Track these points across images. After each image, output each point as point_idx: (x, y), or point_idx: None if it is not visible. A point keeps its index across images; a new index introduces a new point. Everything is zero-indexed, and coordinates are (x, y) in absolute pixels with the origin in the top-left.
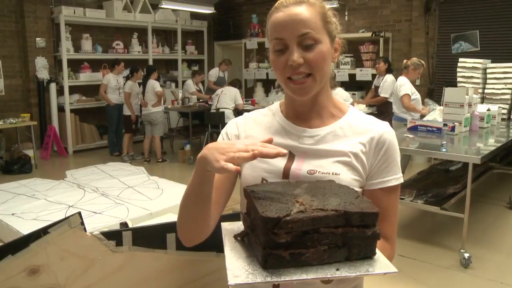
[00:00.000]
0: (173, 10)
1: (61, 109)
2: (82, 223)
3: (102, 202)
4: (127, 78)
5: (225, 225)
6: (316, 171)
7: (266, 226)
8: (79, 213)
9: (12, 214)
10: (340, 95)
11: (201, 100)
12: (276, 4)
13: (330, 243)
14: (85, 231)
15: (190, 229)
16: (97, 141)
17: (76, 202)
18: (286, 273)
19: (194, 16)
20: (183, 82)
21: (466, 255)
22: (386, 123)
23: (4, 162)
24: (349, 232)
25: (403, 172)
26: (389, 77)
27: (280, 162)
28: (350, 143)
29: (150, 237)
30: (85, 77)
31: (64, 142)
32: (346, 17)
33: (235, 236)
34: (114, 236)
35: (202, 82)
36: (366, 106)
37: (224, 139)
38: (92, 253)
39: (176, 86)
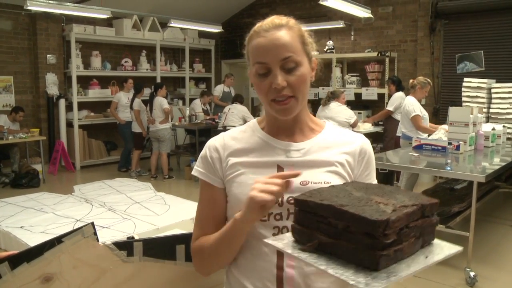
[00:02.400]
0: (182, 29)
1: (69, 124)
2: (95, 233)
3: (110, 216)
4: (133, 95)
5: (272, 242)
6: (308, 181)
7: (377, 229)
8: (92, 224)
9: (21, 227)
10: (344, 113)
11: (208, 118)
12: (255, 28)
13: (414, 235)
14: (98, 241)
15: (217, 266)
16: (105, 157)
17: (83, 217)
18: (395, 270)
19: (202, 34)
20: (191, 99)
21: (472, 273)
22: (362, 135)
23: (13, 175)
24: (424, 222)
25: (411, 190)
26: (397, 94)
27: None
28: (335, 153)
29: (160, 248)
30: (94, 93)
31: (72, 157)
32: (352, 37)
33: (304, 249)
34: (125, 246)
35: (210, 103)
36: (372, 124)
37: (204, 164)
38: (104, 263)
39: (184, 104)
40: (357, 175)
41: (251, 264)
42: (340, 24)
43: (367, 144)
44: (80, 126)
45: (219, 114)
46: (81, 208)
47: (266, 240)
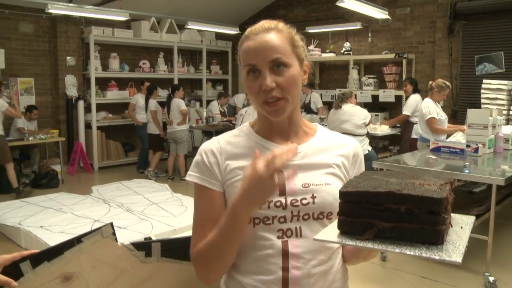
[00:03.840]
0: (199, 31)
1: (88, 126)
2: (114, 234)
3: (127, 217)
4: (146, 97)
5: (322, 237)
6: (310, 183)
7: (442, 205)
8: (111, 224)
9: (41, 226)
10: (359, 114)
11: (225, 120)
12: (246, 32)
13: (449, 209)
14: (117, 241)
15: (222, 268)
16: (122, 158)
17: (101, 217)
18: (453, 240)
19: (219, 36)
20: (208, 101)
21: (491, 278)
22: (353, 138)
23: (33, 176)
24: (451, 197)
25: None
26: (413, 96)
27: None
28: (331, 156)
29: (178, 249)
30: (112, 95)
31: (90, 158)
32: (369, 38)
33: (364, 238)
34: (143, 247)
35: (227, 104)
36: (390, 127)
37: (201, 169)
38: (122, 263)
39: (201, 105)
40: (351, 177)
41: (255, 266)
42: (357, 26)
43: (358, 147)
44: (98, 128)
45: (235, 116)
46: (99, 208)
47: (315, 238)
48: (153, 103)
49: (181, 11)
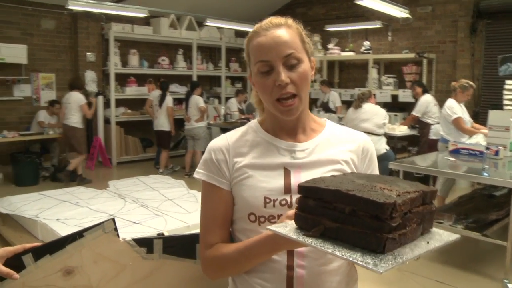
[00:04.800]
0: (218, 28)
1: (107, 121)
2: (116, 229)
3: (142, 212)
4: (162, 94)
5: (276, 228)
6: None
7: (386, 211)
8: (113, 219)
9: (57, 219)
10: (380, 113)
11: (243, 117)
12: (255, 28)
13: (416, 221)
14: (118, 237)
15: (234, 275)
16: (140, 154)
17: (116, 212)
18: (400, 253)
19: (239, 33)
20: (226, 98)
21: (510, 286)
22: (363, 133)
23: (53, 169)
24: (425, 209)
25: (446, 196)
26: (423, 97)
27: (279, 180)
28: (339, 151)
29: (180, 246)
30: (131, 91)
31: (109, 153)
32: (390, 37)
33: (309, 235)
34: (145, 243)
35: (245, 101)
36: (408, 127)
37: (210, 166)
38: (124, 259)
39: (219, 103)
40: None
41: (260, 265)
42: (377, 25)
43: (368, 142)
44: (117, 123)
45: (253, 113)
46: (115, 203)
47: (268, 227)
48: (170, 99)
49: (201, 8)
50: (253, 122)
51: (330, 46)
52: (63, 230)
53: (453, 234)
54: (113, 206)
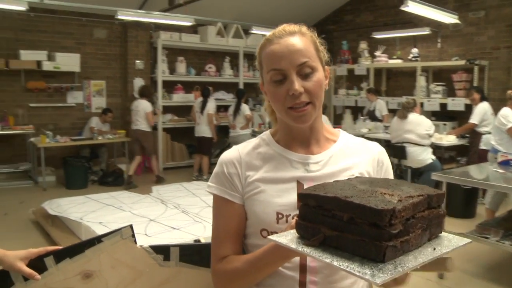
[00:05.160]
0: (264, 36)
1: (154, 127)
2: (133, 236)
3: (182, 218)
4: (204, 100)
5: (276, 238)
6: None
7: (384, 218)
8: (131, 226)
9: (100, 222)
10: (424, 124)
11: None
12: (268, 36)
13: (421, 226)
14: (136, 243)
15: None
16: (186, 160)
17: (157, 217)
18: (402, 261)
19: None
20: None
21: None
22: (377, 143)
23: (101, 174)
24: (431, 213)
25: (496, 210)
26: (481, 105)
27: (292, 194)
28: (354, 163)
29: (197, 255)
30: (178, 98)
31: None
32: (439, 44)
33: (309, 244)
34: (162, 250)
35: None
36: (457, 137)
37: (221, 180)
38: (141, 265)
39: (265, 110)
40: None
41: (272, 280)
42: (425, 31)
43: (383, 153)
44: (164, 129)
45: None
46: (156, 208)
47: (269, 237)
48: (211, 105)
49: (247, 16)
50: (265, 134)
51: (377, 53)
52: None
53: (464, 238)
54: (155, 211)
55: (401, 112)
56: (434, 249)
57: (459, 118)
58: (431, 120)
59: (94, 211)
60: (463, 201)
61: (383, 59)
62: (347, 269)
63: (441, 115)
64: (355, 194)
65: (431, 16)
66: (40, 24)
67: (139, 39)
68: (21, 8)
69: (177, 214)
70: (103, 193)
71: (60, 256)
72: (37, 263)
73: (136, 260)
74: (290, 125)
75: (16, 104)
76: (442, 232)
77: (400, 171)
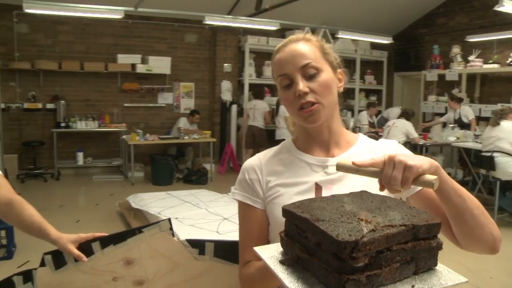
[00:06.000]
0: (353, 40)
1: (239, 129)
2: (171, 229)
3: None
4: (277, 103)
5: (259, 250)
6: None
7: (343, 250)
8: (169, 220)
9: (176, 218)
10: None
11: (372, 131)
12: (277, 48)
13: (401, 259)
14: (173, 236)
15: None
16: None
17: (230, 216)
18: None
19: (374, 46)
20: (359, 111)
21: None
22: (396, 142)
23: (186, 172)
24: (417, 246)
25: None
26: None
27: (311, 197)
28: None
29: (231, 251)
30: (265, 100)
31: (240, 160)
32: None
33: (283, 262)
34: (198, 245)
35: (376, 114)
36: None
37: (244, 186)
38: (177, 257)
39: (352, 115)
40: None
41: None
42: None
43: (400, 149)
44: None
45: (383, 127)
46: (231, 207)
47: (254, 248)
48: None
49: (336, 20)
50: (287, 141)
51: (471, 58)
52: (178, 228)
53: (460, 276)
54: (229, 210)
55: (494, 119)
56: (413, 286)
57: None
58: None
59: (172, 207)
60: None
61: (477, 64)
62: None
63: None
64: (330, 218)
65: None
66: (136, 30)
67: (228, 43)
68: (118, 16)
69: None
70: (183, 190)
71: (105, 242)
72: (86, 247)
73: (173, 252)
74: (307, 128)
75: (112, 104)
76: (438, 265)
77: (489, 183)
